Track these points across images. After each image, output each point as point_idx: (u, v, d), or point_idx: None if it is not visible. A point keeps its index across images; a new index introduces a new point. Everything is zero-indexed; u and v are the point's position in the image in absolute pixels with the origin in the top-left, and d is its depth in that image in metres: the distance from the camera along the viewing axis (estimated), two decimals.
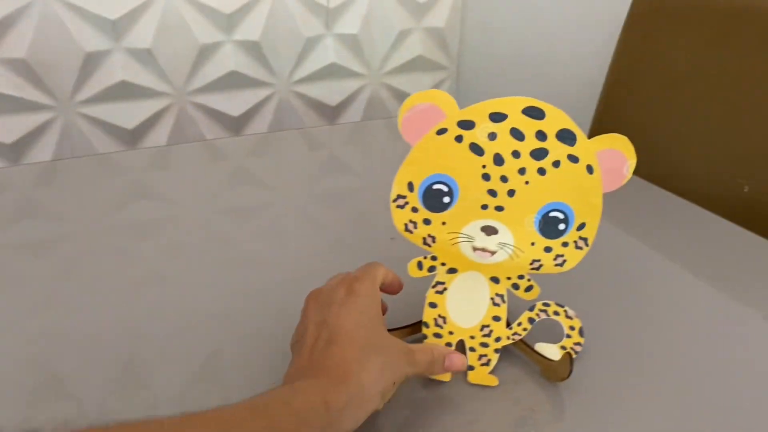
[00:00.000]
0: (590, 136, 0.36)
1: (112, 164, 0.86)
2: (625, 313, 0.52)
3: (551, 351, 0.44)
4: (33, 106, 0.99)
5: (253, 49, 1.12)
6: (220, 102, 1.14)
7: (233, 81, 1.13)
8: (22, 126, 1.00)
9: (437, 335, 0.44)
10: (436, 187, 0.40)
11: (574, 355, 0.43)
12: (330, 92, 1.23)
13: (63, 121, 1.03)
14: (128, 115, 1.07)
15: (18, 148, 1.01)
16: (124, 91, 1.04)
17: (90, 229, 0.65)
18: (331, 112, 1.26)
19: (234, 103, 1.16)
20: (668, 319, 0.52)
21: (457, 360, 0.41)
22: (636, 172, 0.36)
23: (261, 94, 1.17)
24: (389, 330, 0.45)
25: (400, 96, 1.31)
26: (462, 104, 0.38)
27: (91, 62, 1.00)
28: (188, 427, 0.28)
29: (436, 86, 1.33)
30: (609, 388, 0.44)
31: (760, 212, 0.75)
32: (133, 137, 1.09)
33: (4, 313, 0.50)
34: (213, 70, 1.11)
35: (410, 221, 0.41)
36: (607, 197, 0.38)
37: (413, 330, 0.46)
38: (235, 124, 1.18)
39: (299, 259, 0.60)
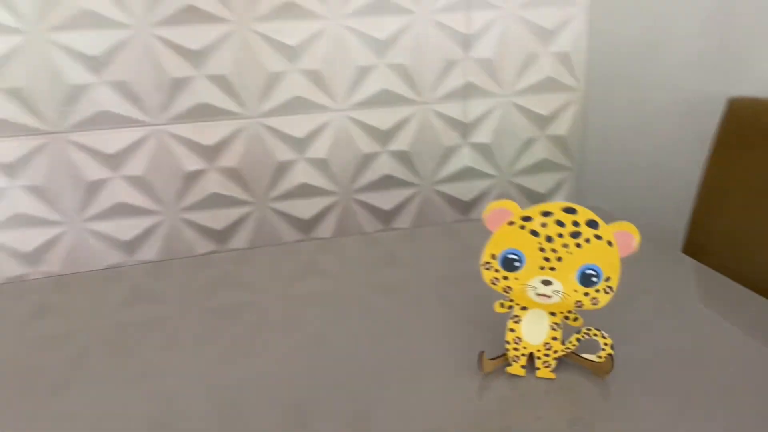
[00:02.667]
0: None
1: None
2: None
3: (594, 358, 0.66)
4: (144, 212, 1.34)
5: (404, 157, 1.40)
6: (375, 198, 1.43)
7: (386, 182, 1.41)
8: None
9: (516, 350, 0.66)
10: (509, 256, 0.62)
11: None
12: (463, 191, 1.47)
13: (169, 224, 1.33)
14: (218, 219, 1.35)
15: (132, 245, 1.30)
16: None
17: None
18: (464, 207, 1.49)
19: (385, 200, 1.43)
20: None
21: None
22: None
23: (406, 192, 1.44)
24: (492, 359, 0.66)
25: (528, 194, 1.51)
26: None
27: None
28: None
29: (557, 185, 1.51)
30: (635, 389, 0.65)
31: None
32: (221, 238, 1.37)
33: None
34: (370, 174, 1.40)
35: (494, 278, 0.63)
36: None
37: (505, 357, 0.68)
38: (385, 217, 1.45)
39: None
